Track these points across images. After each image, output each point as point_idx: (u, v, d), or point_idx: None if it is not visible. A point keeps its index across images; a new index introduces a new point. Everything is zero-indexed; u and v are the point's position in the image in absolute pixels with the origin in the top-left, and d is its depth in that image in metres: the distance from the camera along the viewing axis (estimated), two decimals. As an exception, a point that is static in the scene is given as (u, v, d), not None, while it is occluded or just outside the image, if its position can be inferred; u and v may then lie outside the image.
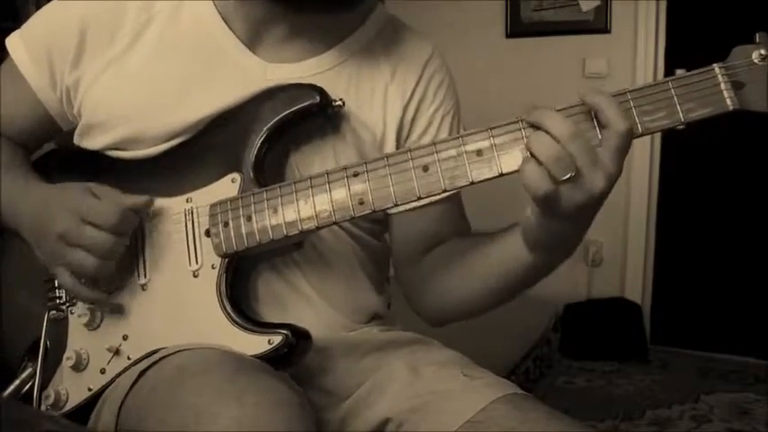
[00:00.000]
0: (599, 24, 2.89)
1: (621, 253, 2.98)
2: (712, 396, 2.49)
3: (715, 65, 0.67)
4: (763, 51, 0.66)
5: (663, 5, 2.82)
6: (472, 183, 0.71)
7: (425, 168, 0.72)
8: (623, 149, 0.66)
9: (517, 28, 3.03)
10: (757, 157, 2.68)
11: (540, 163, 0.66)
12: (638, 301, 2.95)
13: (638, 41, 2.85)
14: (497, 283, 0.82)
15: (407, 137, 0.90)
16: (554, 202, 0.67)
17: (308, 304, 0.87)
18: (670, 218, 2.94)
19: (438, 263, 0.89)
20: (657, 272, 2.98)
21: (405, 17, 0.96)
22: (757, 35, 0.67)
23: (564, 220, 0.69)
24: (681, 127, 0.69)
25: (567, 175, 0.65)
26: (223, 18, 0.86)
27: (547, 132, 0.66)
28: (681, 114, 0.67)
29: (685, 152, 2.81)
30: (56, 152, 0.99)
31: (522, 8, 3.01)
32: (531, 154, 0.66)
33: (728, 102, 0.66)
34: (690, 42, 2.71)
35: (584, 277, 3.00)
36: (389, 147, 0.88)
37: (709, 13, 2.68)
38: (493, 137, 0.70)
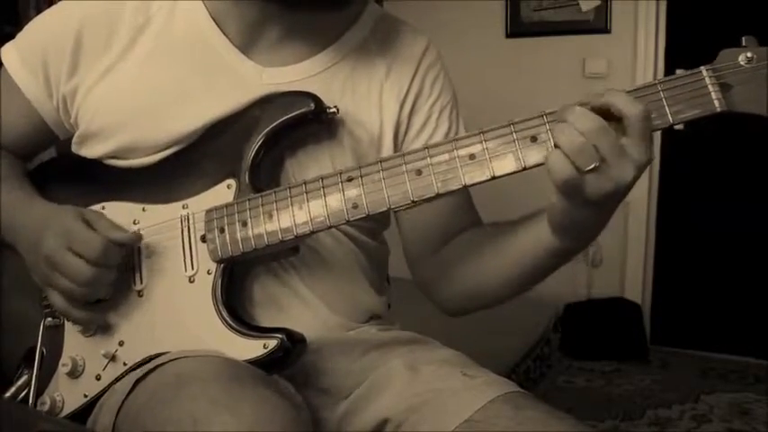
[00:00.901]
0: (599, 24, 2.89)
1: (621, 253, 2.98)
2: (712, 396, 2.49)
3: (702, 67, 0.68)
4: (749, 54, 0.66)
5: (663, 5, 2.82)
6: (465, 186, 0.72)
7: (419, 172, 0.73)
8: (645, 134, 0.67)
9: (517, 28, 3.03)
10: (757, 158, 2.68)
11: (564, 153, 0.66)
12: (638, 301, 2.96)
13: (638, 41, 2.85)
14: (524, 268, 0.82)
15: (406, 132, 0.90)
16: (578, 190, 0.68)
17: (306, 306, 0.87)
18: (670, 218, 2.94)
19: (459, 253, 0.89)
20: (657, 272, 2.99)
21: (404, 17, 0.96)
22: (744, 38, 0.67)
23: (589, 208, 0.70)
24: (679, 126, 0.70)
25: (591, 166, 0.66)
26: (215, 20, 0.86)
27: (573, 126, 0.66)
28: (670, 116, 0.68)
29: (685, 152, 2.81)
30: (55, 160, 0.99)
31: (522, 8, 3.01)
32: (556, 145, 0.67)
33: (716, 103, 0.67)
34: (690, 42, 2.71)
35: (584, 277, 2.99)
36: (387, 145, 0.88)
37: (709, 13, 2.68)
38: (485, 141, 0.71)
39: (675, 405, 2.43)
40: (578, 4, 2.90)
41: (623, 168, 0.67)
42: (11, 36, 0.91)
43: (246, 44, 0.86)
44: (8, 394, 0.86)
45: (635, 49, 2.86)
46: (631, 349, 2.84)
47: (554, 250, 0.77)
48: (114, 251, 0.80)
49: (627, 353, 2.82)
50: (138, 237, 0.83)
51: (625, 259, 2.98)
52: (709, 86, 0.67)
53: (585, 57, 2.93)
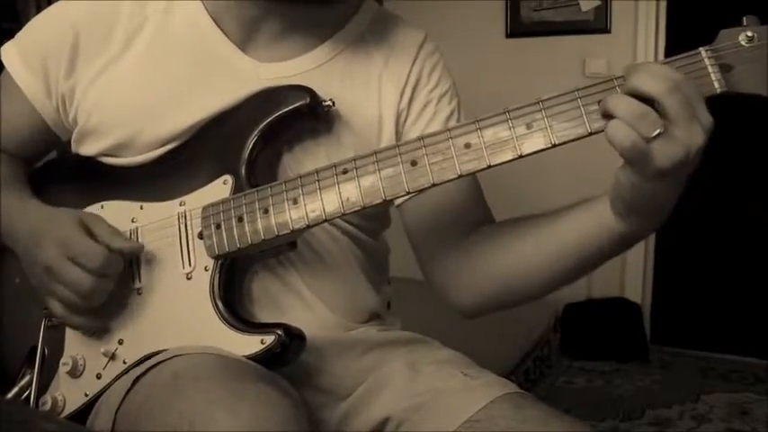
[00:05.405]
0: (599, 24, 2.89)
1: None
2: (712, 396, 2.49)
3: (701, 48, 0.66)
4: (749, 33, 0.64)
5: (663, 5, 2.82)
6: (460, 175, 0.71)
7: (413, 163, 0.72)
8: (693, 104, 0.63)
9: (517, 28, 3.03)
10: (758, 158, 2.68)
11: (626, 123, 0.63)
12: (638, 301, 2.95)
13: (638, 41, 2.85)
14: (578, 257, 0.78)
15: (405, 121, 0.89)
16: (646, 159, 0.63)
17: (305, 305, 0.87)
18: (670, 217, 2.93)
19: (488, 245, 0.85)
20: (657, 272, 2.98)
21: (404, 17, 0.95)
22: (744, 18, 0.65)
23: (659, 180, 0.66)
24: None
25: (656, 132, 0.62)
26: (213, 18, 0.86)
27: (639, 90, 0.63)
28: None
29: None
30: (54, 161, 0.99)
31: (522, 8, 3.01)
32: (611, 115, 0.64)
33: (716, 84, 0.65)
34: (690, 43, 2.70)
35: (584, 277, 2.98)
36: (388, 135, 0.87)
37: (710, 13, 2.68)
38: (480, 129, 0.70)
39: (675, 405, 2.43)
40: (578, 4, 2.90)
41: (693, 132, 0.63)
42: (10, 33, 0.91)
43: (245, 41, 0.86)
44: (11, 394, 0.86)
45: (635, 49, 2.86)
46: (631, 349, 2.83)
47: (618, 235, 0.73)
48: (116, 260, 0.79)
49: (627, 353, 2.82)
50: (140, 247, 0.82)
51: (625, 259, 2.97)
52: (709, 67, 0.65)
53: (585, 57, 2.92)
